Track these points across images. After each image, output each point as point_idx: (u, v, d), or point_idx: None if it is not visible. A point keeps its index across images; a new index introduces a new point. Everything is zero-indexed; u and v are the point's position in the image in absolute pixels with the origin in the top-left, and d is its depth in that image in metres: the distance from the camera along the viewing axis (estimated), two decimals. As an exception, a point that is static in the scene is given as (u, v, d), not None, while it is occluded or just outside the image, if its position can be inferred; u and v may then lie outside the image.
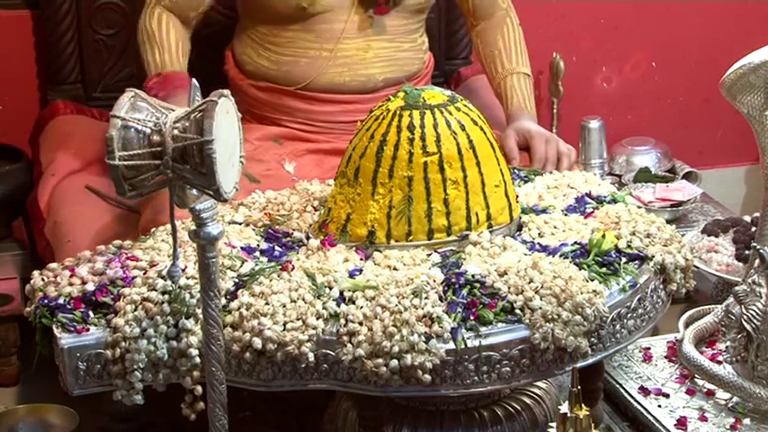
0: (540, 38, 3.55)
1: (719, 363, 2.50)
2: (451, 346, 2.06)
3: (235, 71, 2.82)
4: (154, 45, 2.67)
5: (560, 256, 2.22)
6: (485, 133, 2.28)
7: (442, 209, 2.23)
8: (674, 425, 2.40)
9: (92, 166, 2.86)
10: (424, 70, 2.88)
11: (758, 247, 2.43)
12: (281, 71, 2.73)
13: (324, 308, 2.09)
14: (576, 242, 2.26)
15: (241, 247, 2.24)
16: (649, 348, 2.67)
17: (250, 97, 2.78)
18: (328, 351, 2.08)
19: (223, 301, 2.09)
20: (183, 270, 2.12)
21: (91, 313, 2.14)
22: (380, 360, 2.04)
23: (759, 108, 2.45)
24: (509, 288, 2.12)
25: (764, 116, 2.45)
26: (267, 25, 2.71)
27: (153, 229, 2.36)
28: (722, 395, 2.47)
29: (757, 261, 2.42)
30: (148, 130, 1.85)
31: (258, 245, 2.28)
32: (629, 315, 2.22)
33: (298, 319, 2.08)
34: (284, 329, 2.06)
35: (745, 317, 2.40)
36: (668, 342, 2.68)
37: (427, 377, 2.05)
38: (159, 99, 2.18)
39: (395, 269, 2.18)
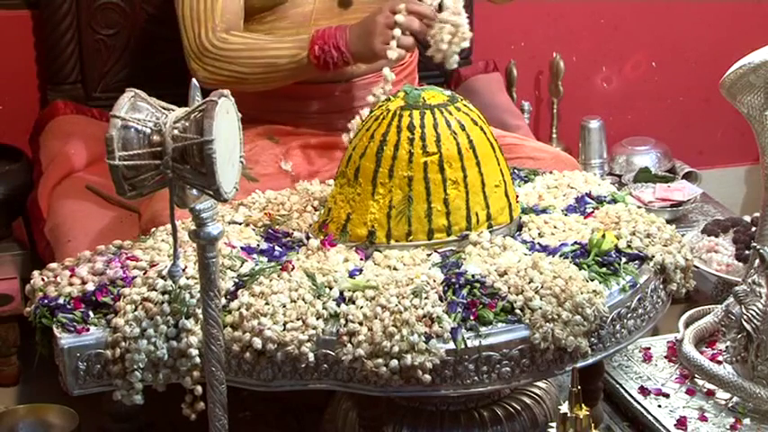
0: (540, 38, 3.56)
1: (719, 363, 2.50)
2: (451, 346, 2.06)
3: None
4: (262, 43, 2.59)
5: (560, 256, 2.22)
6: (485, 133, 2.28)
7: (442, 209, 2.22)
8: (674, 425, 2.40)
9: (92, 166, 2.86)
10: (408, 59, 2.85)
11: (758, 247, 2.43)
12: None
13: (324, 308, 2.09)
14: (576, 242, 2.26)
15: (241, 247, 2.24)
16: (649, 348, 2.67)
17: (238, 99, 2.77)
18: (328, 351, 2.08)
19: (223, 301, 2.09)
20: (184, 270, 2.12)
21: (91, 313, 2.14)
22: (380, 360, 2.04)
23: (759, 108, 2.45)
24: (509, 288, 2.12)
25: (764, 116, 2.45)
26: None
27: (153, 229, 2.36)
28: (722, 395, 2.47)
29: (757, 261, 2.42)
30: (148, 130, 1.85)
31: (258, 245, 2.28)
32: (629, 315, 2.21)
33: (298, 319, 2.07)
34: (284, 329, 2.06)
35: (745, 317, 2.40)
36: (668, 342, 2.68)
37: (427, 377, 2.05)
38: (338, 49, 2.50)
39: (395, 269, 2.18)
